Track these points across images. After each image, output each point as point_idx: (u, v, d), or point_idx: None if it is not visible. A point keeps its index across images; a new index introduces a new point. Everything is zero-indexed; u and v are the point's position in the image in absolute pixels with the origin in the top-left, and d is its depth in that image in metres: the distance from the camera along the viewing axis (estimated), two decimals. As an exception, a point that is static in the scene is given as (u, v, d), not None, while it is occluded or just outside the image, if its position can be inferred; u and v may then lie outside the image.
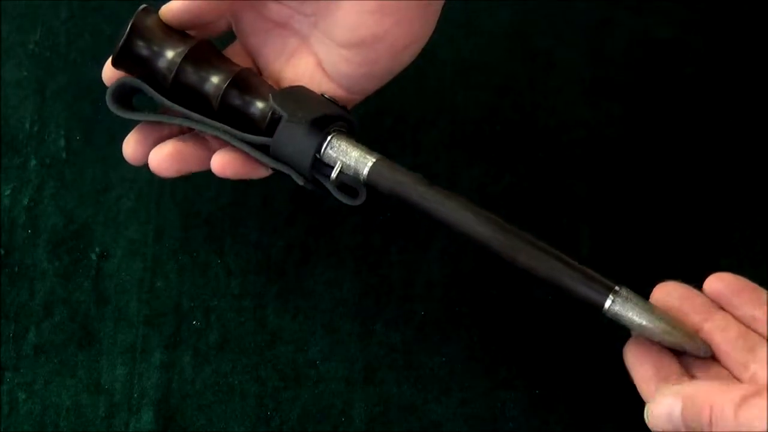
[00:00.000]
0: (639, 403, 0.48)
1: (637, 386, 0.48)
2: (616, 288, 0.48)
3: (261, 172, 0.53)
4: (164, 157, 0.53)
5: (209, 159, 0.54)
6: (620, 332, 0.49)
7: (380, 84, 0.54)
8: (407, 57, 0.53)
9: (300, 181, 0.52)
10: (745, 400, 0.41)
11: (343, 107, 0.53)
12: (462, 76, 0.64)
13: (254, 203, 0.61)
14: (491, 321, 0.58)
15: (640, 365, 0.48)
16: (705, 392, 0.43)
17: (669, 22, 0.65)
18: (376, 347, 0.58)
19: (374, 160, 0.51)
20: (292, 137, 0.51)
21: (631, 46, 0.64)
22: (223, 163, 0.53)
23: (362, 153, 0.51)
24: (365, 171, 0.51)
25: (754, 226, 0.60)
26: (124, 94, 0.55)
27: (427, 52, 0.53)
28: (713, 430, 0.42)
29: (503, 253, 0.49)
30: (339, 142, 0.51)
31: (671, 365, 0.47)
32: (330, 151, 0.51)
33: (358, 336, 0.58)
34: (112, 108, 0.54)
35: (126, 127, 0.54)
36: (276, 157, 0.52)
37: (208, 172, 0.61)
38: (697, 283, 0.49)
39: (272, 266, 0.60)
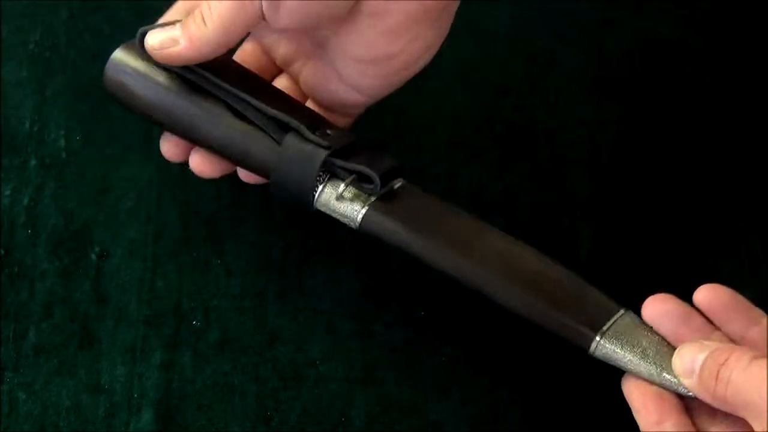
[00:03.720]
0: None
1: (638, 416, 0.48)
2: (603, 328, 0.48)
3: None
4: (206, 161, 0.54)
5: None
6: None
7: (397, 87, 0.55)
8: (421, 66, 0.53)
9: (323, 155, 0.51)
10: (759, 358, 0.43)
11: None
12: (462, 76, 0.64)
13: (254, 203, 0.61)
14: (491, 321, 0.58)
15: (641, 397, 0.48)
16: (729, 347, 0.45)
17: (669, 22, 0.65)
18: (376, 347, 0.58)
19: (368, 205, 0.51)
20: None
21: (632, 46, 0.64)
22: (248, 174, 0.54)
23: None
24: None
25: (754, 228, 0.60)
26: None
27: (427, 51, 0.53)
28: (721, 373, 0.44)
29: (490, 298, 0.50)
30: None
31: (671, 398, 0.47)
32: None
33: (358, 336, 0.58)
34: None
35: (126, 128, 0.54)
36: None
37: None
38: (698, 285, 0.48)
39: (272, 266, 0.60)
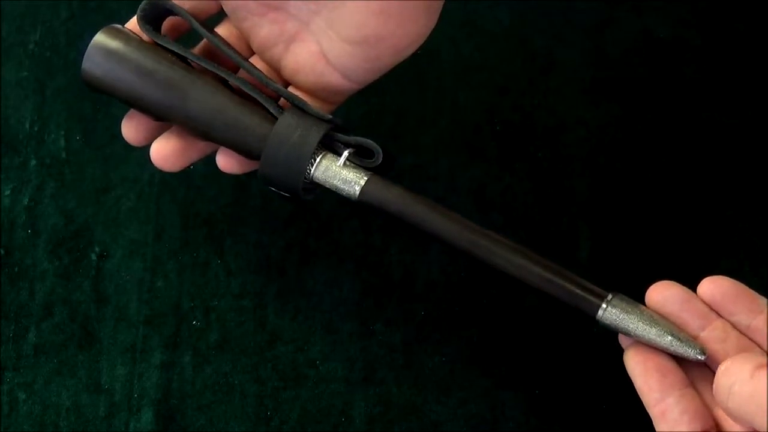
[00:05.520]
0: (638, 403, 0.48)
1: (641, 394, 0.47)
2: (609, 296, 0.48)
3: None
4: (168, 155, 0.53)
5: (210, 146, 0.54)
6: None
7: (382, 74, 0.53)
8: (409, 52, 0.52)
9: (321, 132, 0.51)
10: (760, 368, 0.42)
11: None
12: (462, 76, 0.64)
13: (254, 203, 0.61)
14: (491, 321, 0.58)
15: (643, 374, 0.47)
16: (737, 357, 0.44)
17: (669, 21, 0.65)
18: (376, 347, 0.58)
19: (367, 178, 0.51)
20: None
21: (631, 46, 0.64)
22: (229, 158, 0.53)
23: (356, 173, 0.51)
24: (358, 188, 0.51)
25: (754, 227, 0.60)
26: (154, 16, 0.54)
27: (428, 52, 0.53)
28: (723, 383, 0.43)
29: (493, 263, 0.49)
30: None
31: (675, 372, 0.47)
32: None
33: (358, 336, 0.58)
34: (142, 28, 0.53)
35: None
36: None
37: (209, 172, 0.61)
38: (697, 284, 0.48)
39: (272, 266, 0.60)
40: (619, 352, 0.49)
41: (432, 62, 0.57)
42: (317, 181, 0.51)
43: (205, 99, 0.52)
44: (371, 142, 0.51)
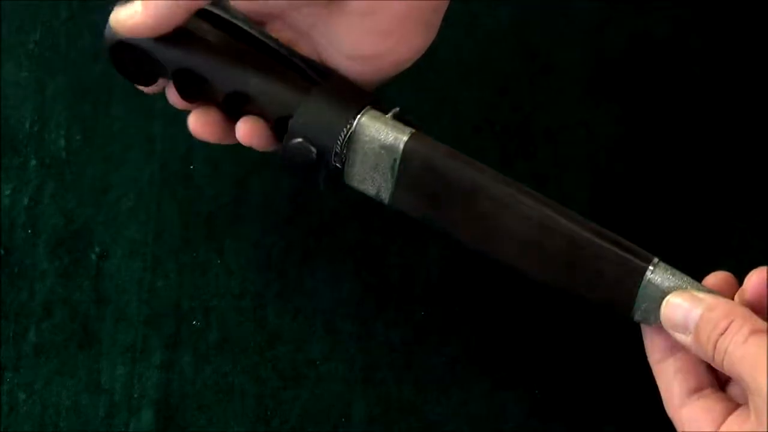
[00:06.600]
0: (638, 404, 0.48)
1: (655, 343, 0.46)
2: (655, 259, 0.47)
3: None
4: (206, 125, 0.52)
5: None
6: (620, 332, 0.49)
7: (383, 84, 0.53)
8: (410, 64, 0.53)
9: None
10: (757, 332, 0.42)
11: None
12: (462, 76, 0.64)
13: (254, 203, 0.61)
14: (491, 321, 0.58)
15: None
16: (731, 306, 0.44)
17: (669, 22, 0.65)
18: (376, 347, 0.58)
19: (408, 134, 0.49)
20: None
21: (631, 46, 0.64)
22: (250, 130, 0.52)
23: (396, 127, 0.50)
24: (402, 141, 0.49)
25: (754, 227, 0.60)
26: None
27: (427, 52, 0.53)
28: (719, 342, 0.43)
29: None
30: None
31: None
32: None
33: (358, 336, 0.58)
34: None
35: (126, 128, 0.54)
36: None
37: (209, 172, 0.61)
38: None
39: (272, 266, 0.60)
40: (620, 352, 0.49)
41: (432, 62, 0.57)
42: (357, 135, 0.49)
43: (243, 58, 0.51)
44: (411, 119, 0.50)
